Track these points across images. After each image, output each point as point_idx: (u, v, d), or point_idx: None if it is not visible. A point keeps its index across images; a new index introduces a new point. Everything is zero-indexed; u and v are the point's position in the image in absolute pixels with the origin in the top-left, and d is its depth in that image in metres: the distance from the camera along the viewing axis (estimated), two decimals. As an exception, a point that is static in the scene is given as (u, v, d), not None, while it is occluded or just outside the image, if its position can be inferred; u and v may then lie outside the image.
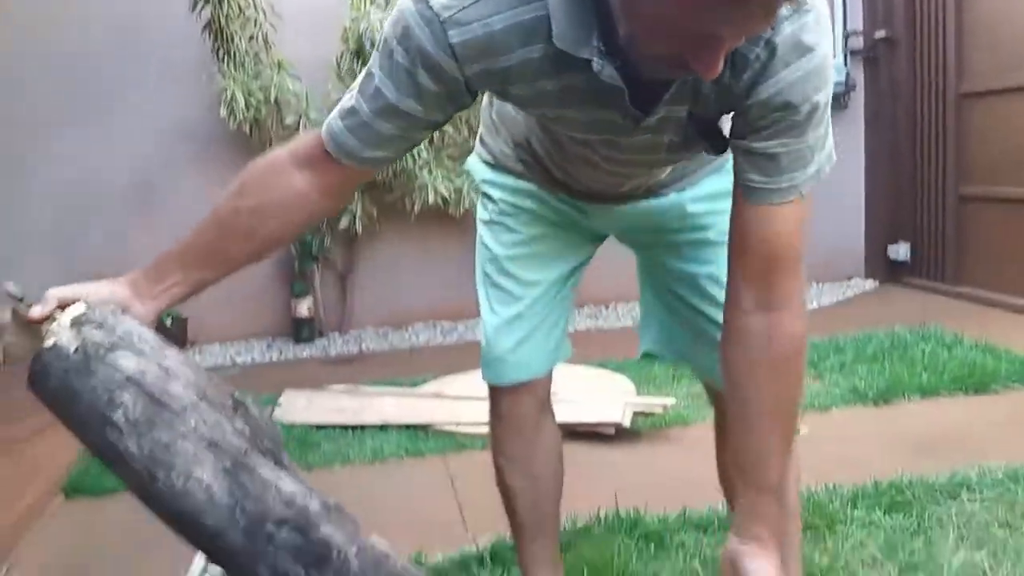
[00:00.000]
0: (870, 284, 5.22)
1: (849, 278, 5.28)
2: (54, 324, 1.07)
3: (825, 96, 1.05)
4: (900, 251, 5.08)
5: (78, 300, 1.09)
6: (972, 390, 2.99)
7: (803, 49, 1.00)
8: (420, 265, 4.93)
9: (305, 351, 4.61)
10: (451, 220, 4.75)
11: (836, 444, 2.58)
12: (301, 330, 4.70)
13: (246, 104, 4.31)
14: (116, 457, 1.01)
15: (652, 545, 1.99)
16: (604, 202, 1.40)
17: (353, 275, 4.88)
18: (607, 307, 4.99)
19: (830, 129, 1.11)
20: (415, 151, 4.28)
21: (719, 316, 1.21)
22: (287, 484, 1.04)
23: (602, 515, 2.14)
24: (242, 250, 1.18)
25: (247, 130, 4.41)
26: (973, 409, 2.87)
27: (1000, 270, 4.41)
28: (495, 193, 1.49)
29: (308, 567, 1.00)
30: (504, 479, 1.60)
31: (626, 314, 4.87)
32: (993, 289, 4.41)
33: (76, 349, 1.04)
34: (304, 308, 4.70)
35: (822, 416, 2.88)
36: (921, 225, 4.94)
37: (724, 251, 1.18)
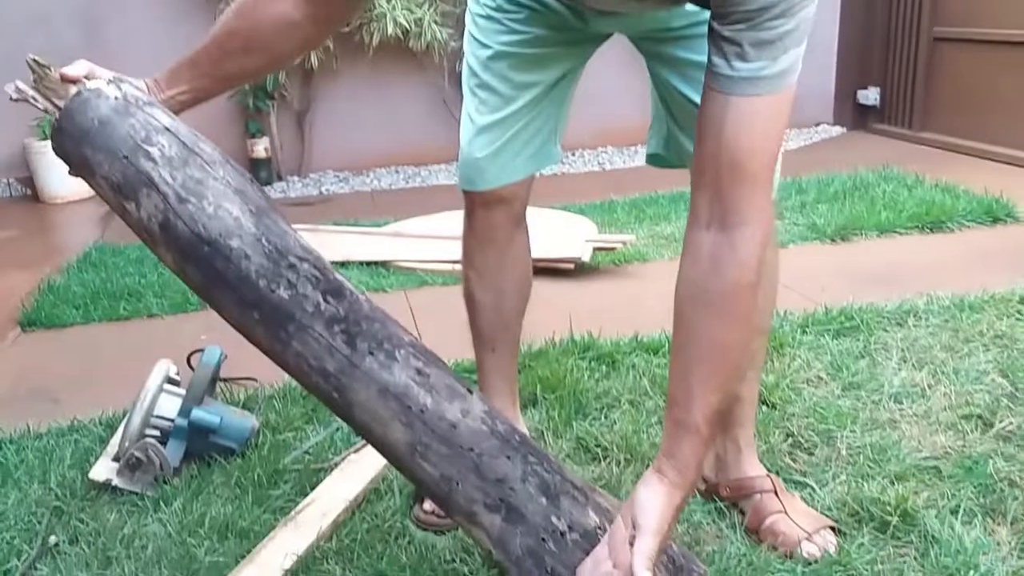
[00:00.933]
0: (837, 130, 5.19)
1: (817, 124, 5.24)
2: (91, 81, 1.12)
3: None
4: (870, 96, 5.03)
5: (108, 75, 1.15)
6: (928, 228, 3.02)
7: None
8: (380, 107, 4.79)
9: (265, 193, 4.53)
10: (411, 56, 4.59)
11: (791, 276, 2.60)
12: (259, 172, 4.59)
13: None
14: (143, 183, 1.06)
15: (604, 366, 2.04)
16: (605, 11, 1.32)
17: (311, 115, 4.74)
18: (572, 153, 4.92)
19: (804, 37, 1.04)
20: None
21: None
22: (304, 242, 1.12)
23: (557, 339, 2.17)
24: (238, 68, 1.22)
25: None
26: (928, 245, 2.91)
27: (967, 116, 4.39)
28: None
29: (326, 295, 1.08)
30: (471, 290, 1.57)
31: (591, 159, 4.82)
32: (958, 135, 4.41)
33: (117, 97, 1.10)
34: (261, 149, 4.58)
35: (780, 250, 2.90)
36: (893, 69, 4.86)
37: None
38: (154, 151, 1.07)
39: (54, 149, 1.12)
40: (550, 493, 1.08)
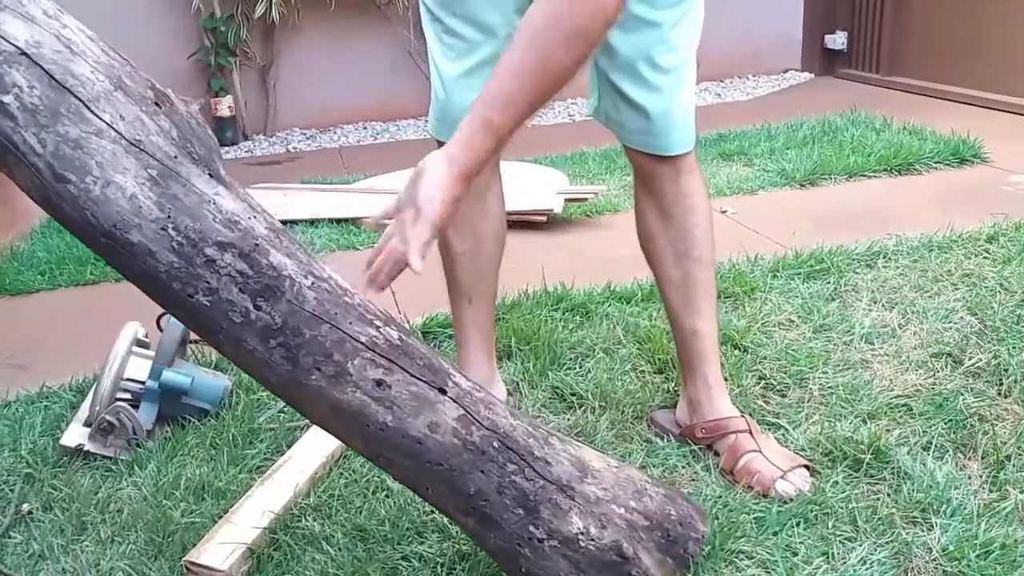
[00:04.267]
0: (805, 76, 5.18)
1: (785, 71, 5.23)
2: None
3: None
4: (837, 40, 5.02)
5: None
6: (896, 170, 3.03)
7: None
8: (345, 61, 4.70)
9: (229, 153, 4.44)
10: (374, 8, 4.50)
11: (761, 222, 2.62)
12: (224, 131, 4.51)
13: None
14: (6, 151, 0.80)
15: (577, 316, 2.03)
16: None
17: (274, 71, 4.64)
18: (541, 104, 4.87)
19: None
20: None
21: (644, 99, 1.29)
22: (227, 201, 0.89)
23: (530, 291, 2.16)
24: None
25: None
26: (896, 187, 2.93)
27: (934, 59, 4.39)
28: None
29: (256, 297, 0.88)
30: (447, 240, 1.54)
31: (561, 111, 4.77)
32: (924, 78, 4.42)
33: None
34: (224, 107, 4.49)
35: (750, 197, 2.92)
36: (860, 13, 4.85)
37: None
38: (10, 101, 0.79)
39: None
40: (528, 504, 1.01)
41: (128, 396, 1.68)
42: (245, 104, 4.62)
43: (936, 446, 1.46)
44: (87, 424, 1.64)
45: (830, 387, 1.66)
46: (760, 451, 1.43)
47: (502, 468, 1.00)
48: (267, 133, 4.70)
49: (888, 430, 1.50)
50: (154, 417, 1.67)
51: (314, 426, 1.60)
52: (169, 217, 0.84)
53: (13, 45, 0.81)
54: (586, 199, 2.92)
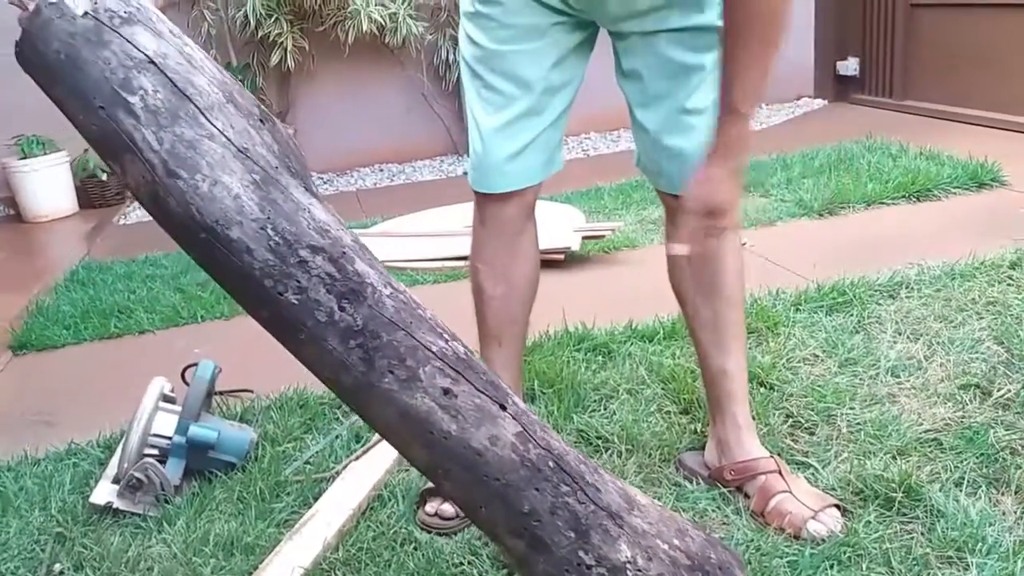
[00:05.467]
0: (819, 103, 5.18)
1: (798, 98, 5.23)
2: None
3: None
4: (849, 66, 5.03)
5: None
6: (915, 197, 3.02)
7: None
8: (360, 105, 4.76)
9: (249, 200, 4.50)
10: (388, 53, 4.57)
11: (782, 254, 2.62)
12: (243, 178, 4.57)
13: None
14: (124, 147, 0.88)
15: (600, 356, 2.03)
16: None
17: (291, 118, 4.71)
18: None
19: None
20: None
21: (681, 142, 1.37)
22: (319, 212, 0.95)
23: (551, 332, 2.16)
24: None
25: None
26: (916, 214, 2.91)
27: (947, 81, 4.38)
28: None
29: (341, 299, 0.92)
30: (480, 283, 1.56)
31: (575, 146, 4.80)
32: (939, 101, 4.41)
33: (86, 13, 0.89)
34: (244, 155, 4.55)
35: (768, 229, 2.91)
36: (871, 38, 4.86)
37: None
38: (135, 101, 0.88)
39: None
40: (580, 527, 1.01)
41: (156, 452, 1.69)
42: (263, 151, 4.67)
43: (968, 481, 1.44)
44: (116, 481, 1.66)
45: (858, 423, 1.64)
46: (790, 491, 1.42)
47: (556, 488, 1.00)
48: (285, 178, 4.76)
49: (919, 466, 1.48)
50: (181, 472, 1.68)
51: (338, 477, 1.62)
52: (268, 218, 0.90)
53: (143, 54, 0.90)
54: (603, 236, 2.93)
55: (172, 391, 1.82)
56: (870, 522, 1.36)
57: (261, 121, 0.96)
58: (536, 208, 1.56)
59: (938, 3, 4.39)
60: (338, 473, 1.65)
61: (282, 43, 4.27)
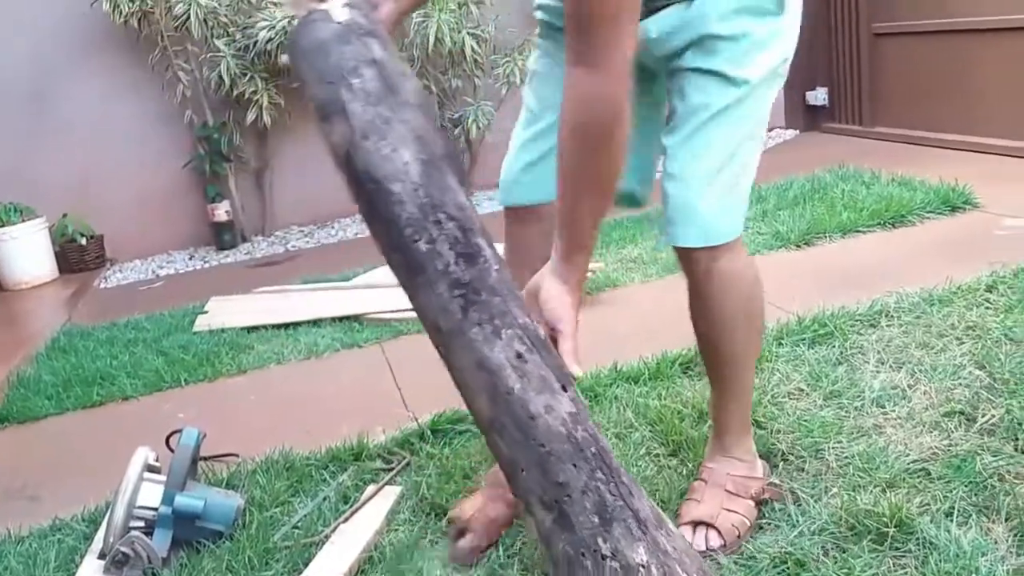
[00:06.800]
0: (791, 133, 5.26)
1: (770, 129, 5.31)
2: (329, 2, 1.25)
3: None
4: (819, 96, 5.12)
5: None
6: (889, 223, 3.06)
7: None
8: (338, 157, 4.78)
9: (229, 257, 4.50)
10: (364, 107, 4.60)
11: (761, 288, 2.63)
12: (222, 236, 4.57)
13: (129, -6, 4.06)
14: (337, 109, 1.16)
15: (587, 400, 2.03)
16: None
17: (269, 173, 4.73)
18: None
19: None
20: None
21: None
22: (462, 198, 1.18)
23: (537, 380, 2.16)
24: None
25: (135, 24, 4.19)
26: (891, 241, 2.95)
27: (913, 107, 4.47)
28: (538, 15, 1.54)
29: (458, 258, 1.13)
30: None
31: (553, 187, 4.83)
32: (907, 127, 4.49)
33: (340, 22, 1.22)
34: (222, 212, 4.56)
35: (747, 263, 2.92)
36: (837, 67, 4.95)
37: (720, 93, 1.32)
38: (356, 83, 1.17)
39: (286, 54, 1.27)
40: (605, 515, 1.07)
41: (142, 524, 1.67)
42: (242, 207, 4.69)
43: (959, 511, 1.44)
44: (101, 556, 1.63)
45: (847, 456, 1.64)
46: (699, 499, 1.52)
47: (592, 472, 1.09)
48: (265, 234, 4.76)
49: (909, 498, 1.48)
50: (169, 544, 1.65)
51: (328, 541, 1.60)
52: (423, 184, 1.15)
53: (371, 56, 1.20)
54: (591, 276, 2.93)
55: (157, 460, 1.80)
56: (863, 558, 1.36)
57: (442, 127, 1.24)
58: None
59: (899, 31, 4.49)
60: (327, 537, 1.63)
61: (257, 100, 4.30)
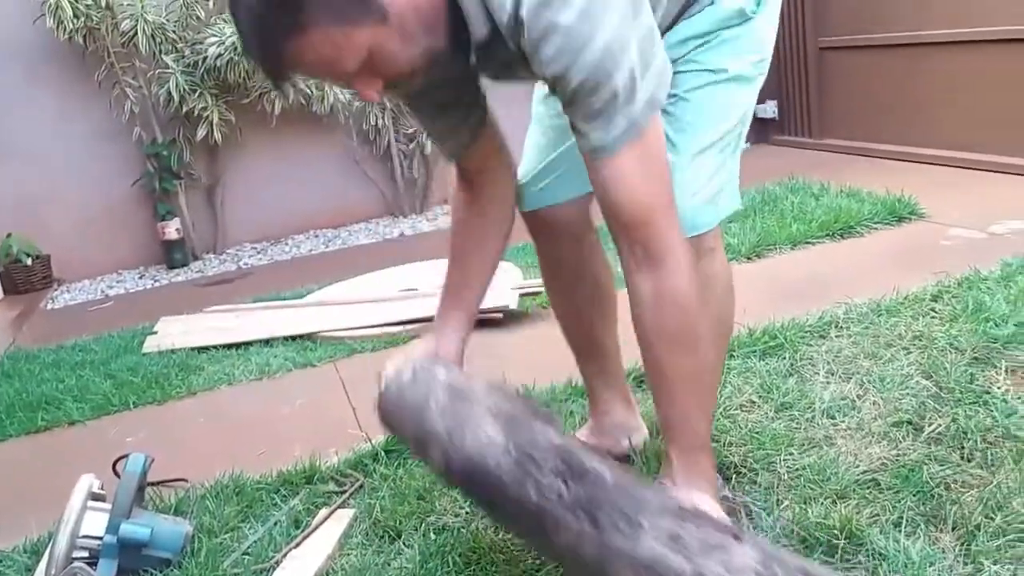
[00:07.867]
0: (742, 146, 5.32)
1: (722, 142, 5.38)
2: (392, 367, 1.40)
3: (592, 69, 1.08)
4: (768, 109, 5.20)
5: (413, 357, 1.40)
6: (838, 234, 3.11)
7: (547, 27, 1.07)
8: (290, 174, 4.75)
9: (180, 276, 4.43)
10: (316, 121, 4.57)
11: (714, 301, 2.65)
12: (173, 254, 4.50)
13: (74, 12, 3.97)
14: (433, 441, 1.25)
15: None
16: None
17: (220, 190, 4.67)
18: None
19: (635, 93, 1.13)
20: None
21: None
22: (552, 434, 1.22)
23: (491, 397, 2.15)
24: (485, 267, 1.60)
25: (81, 40, 4.11)
26: (840, 252, 3.00)
27: (859, 119, 4.56)
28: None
29: (567, 481, 1.14)
30: (553, 305, 1.76)
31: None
32: (854, 138, 4.58)
33: (411, 373, 1.35)
34: (173, 230, 4.49)
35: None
36: (786, 80, 5.04)
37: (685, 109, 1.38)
38: (432, 406, 1.27)
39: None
40: None
41: (86, 554, 1.62)
42: (193, 225, 4.62)
43: (907, 521, 1.46)
44: (43, 589, 1.58)
45: (798, 468, 1.66)
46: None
47: None
48: (217, 252, 4.70)
49: (858, 509, 1.50)
50: (114, 573, 1.61)
51: (279, 567, 1.57)
52: (511, 440, 1.21)
53: (440, 381, 1.33)
54: (541, 291, 2.94)
55: (102, 487, 1.75)
56: (815, 571, 1.37)
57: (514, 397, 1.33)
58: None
59: (844, 46, 4.59)
60: (278, 563, 1.60)
61: (208, 117, 4.25)
